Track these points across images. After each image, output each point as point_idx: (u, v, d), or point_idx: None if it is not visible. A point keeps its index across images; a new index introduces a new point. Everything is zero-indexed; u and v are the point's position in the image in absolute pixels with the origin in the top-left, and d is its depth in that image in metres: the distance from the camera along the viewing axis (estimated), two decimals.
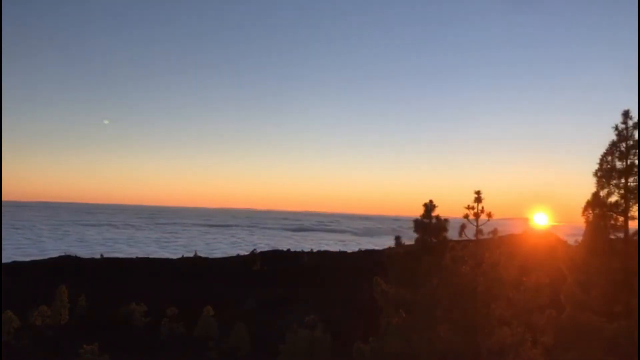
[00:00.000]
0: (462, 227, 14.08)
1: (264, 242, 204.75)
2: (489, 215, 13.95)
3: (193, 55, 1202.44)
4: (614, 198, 10.54)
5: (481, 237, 14.00)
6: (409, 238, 16.66)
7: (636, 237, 10.44)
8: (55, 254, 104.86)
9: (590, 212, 10.54)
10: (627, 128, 10.50)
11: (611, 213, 10.46)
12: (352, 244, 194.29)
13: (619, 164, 10.53)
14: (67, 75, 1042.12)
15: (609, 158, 10.61)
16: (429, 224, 16.02)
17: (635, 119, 10.45)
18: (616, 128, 10.54)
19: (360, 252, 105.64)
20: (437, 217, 16.05)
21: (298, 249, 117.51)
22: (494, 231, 14.05)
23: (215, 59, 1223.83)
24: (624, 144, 10.51)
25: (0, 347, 41.08)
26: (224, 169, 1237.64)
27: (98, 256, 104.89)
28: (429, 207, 16.08)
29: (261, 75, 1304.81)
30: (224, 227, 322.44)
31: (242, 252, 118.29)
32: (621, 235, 10.56)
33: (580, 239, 10.85)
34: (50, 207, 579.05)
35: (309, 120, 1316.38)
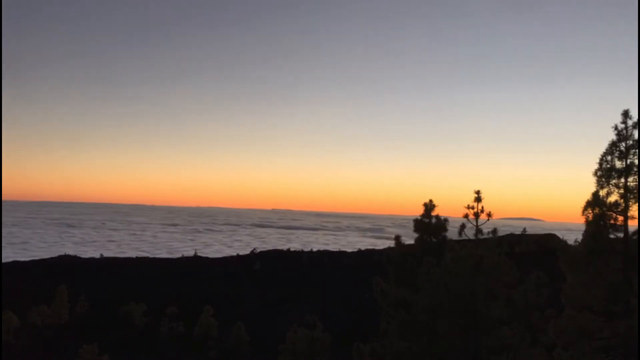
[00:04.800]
0: (462, 227, 14.10)
1: (261, 242, 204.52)
2: (489, 214, 13.97)
3: (191, 54, 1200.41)
4: (613, 198, 10.53)
5: (481, 236, 14.01)
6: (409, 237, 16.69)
7: (636, 237, 10.43)
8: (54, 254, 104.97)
9: (590, 211, 10.52)
10: (626, 128, 10.48)
11: (611, 213, 10.44)
12: (350, 244, 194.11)
13: (618, 164, 10.52)
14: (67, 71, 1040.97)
15: (609, 158, 10.60)
16: (429, 223, 16.05)
17: (635, 119, 10.44)
18: (616, 128, 10.53)
19: (360, 252, 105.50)
20: (437, 217, 16.09)
21: (298, 249, 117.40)
22: (494, 231, 14.07)
23: (213, 58, 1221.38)
24: (623, 144, 10.50)
25: (0, 347, 41.07)
26: (220, 170, 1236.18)
27: (98, 256, 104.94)
28: (429, 206, 16.12)
29: (256, 74, 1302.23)
30: (218, 226, 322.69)
31: (242, 252, 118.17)
32: (621, 235, 10.54)
33: (580, 238, 10.83)
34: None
35: (307, 119, 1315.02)
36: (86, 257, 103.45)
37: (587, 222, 10.52)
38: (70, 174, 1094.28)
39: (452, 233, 15.80)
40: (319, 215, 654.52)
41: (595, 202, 10.47)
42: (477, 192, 14.01)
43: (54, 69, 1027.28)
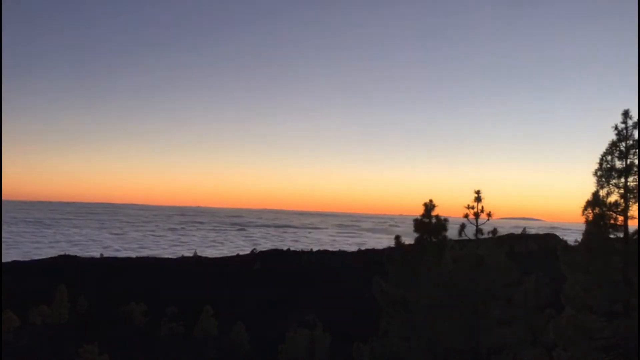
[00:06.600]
0: (462, 227, 14.10)
1: (259, 241, 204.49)
2: (489, 214, 13.97)
3: (187, 55, 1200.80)
4: (613, 197, 10.54)
5: (481, 236, 14.01)
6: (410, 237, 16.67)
7: (636, 237, 10.44)
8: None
9: (590, 211, 10.52)
10: (627, 128, 10.50)
11: (611, 213, 10.45)
12: (350, 244, 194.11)
13: (618, 164, 10.54)
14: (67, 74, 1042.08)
15: (609, 158, 10.61)
16: (429, 223, 16.04)
17: (635, 119, 10.47)
18: (616, 128, 10.55)
19: (360, 251, 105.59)
20: (437, 217, 16.07)
21: (298, 249, 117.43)
22: (494, 231, 14.07)
23: (206, 59, 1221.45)
24: (623, 144, 10.51)
25: (0, 347, 41.07)
26: (218, 170, 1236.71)
27: (98, 256, 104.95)
28: (429, 206, 16.11)
29: (255, 74, 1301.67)
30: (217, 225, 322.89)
31: (242, 252, 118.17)
32: (621, 235, 10.55)
33: (580, 238, 10.84)
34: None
35: (308, 119, 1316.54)
36: (86, 257, 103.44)
37: (587, 222, 10.54)
38: (67, 174, 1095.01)
39: (452, 233, 15.80)
40: (317, 215, 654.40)
41: (595, 202, 10.48)
42: (477, 192, 14.01)
43: (50, 70, 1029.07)
